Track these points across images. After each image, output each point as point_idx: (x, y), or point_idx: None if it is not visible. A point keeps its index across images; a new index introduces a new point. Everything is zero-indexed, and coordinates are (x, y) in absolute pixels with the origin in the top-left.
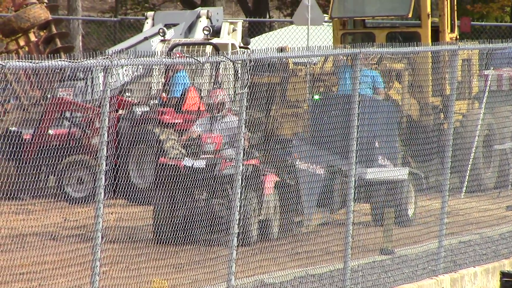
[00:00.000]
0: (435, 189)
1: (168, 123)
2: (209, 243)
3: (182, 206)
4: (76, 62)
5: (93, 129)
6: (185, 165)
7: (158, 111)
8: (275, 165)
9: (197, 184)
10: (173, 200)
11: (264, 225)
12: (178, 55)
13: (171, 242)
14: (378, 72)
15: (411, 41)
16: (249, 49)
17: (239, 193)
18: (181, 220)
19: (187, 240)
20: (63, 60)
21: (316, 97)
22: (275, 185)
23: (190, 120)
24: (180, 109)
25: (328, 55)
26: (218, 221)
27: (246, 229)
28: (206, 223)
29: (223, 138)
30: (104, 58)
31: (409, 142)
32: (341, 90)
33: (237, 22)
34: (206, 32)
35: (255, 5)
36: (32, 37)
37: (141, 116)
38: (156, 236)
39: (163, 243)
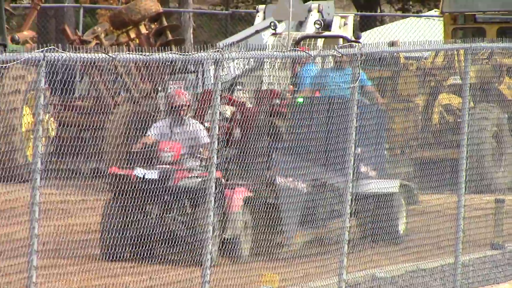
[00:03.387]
0: None
1: None
2: (168, 262)
3: (133, 221)
4: (187, 55)
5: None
6: (136, 175)
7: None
8: (250, 180)
9: (149, 197)
10: (124, 213)
11: (231, 245)
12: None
13: (119, 259)
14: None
15: None
16: (360, 43)
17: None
18: (131, 235)
19: (139, 257)
20: (174, 53)
21: (300, 100)
22: (245, 201)
23: None
24: None
25: (439, 50)
26: (173, 238)
27: (200, 246)
28: (160, 240)
29: (182, 146)
30: (215, 51)
31: None
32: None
33: (348, 16)
34: (317, 26)
35: None
36: (143, 30)
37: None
38: (102, 251)
39: (111, 259)
